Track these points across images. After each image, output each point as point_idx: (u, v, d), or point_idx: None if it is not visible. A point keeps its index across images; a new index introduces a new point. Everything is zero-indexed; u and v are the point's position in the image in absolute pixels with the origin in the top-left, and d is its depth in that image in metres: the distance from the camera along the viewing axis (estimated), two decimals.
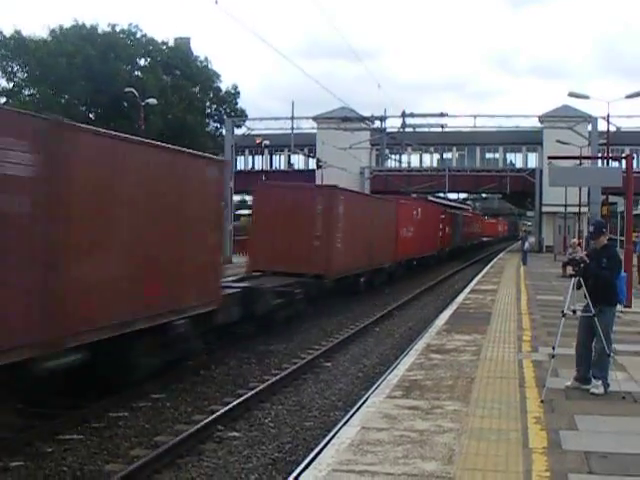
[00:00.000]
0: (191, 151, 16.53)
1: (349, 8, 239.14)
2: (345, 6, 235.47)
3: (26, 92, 59.85)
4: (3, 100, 58.81)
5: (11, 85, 60.11)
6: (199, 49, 65.86)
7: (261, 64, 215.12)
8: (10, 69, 59.42)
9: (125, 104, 58.55)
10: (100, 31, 60.49)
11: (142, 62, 64.14)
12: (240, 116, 67.34)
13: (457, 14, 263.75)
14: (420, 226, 45.56)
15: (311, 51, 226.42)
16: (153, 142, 15.02)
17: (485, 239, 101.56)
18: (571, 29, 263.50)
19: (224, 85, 69.71)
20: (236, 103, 68.95)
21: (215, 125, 68.91)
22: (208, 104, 68.38)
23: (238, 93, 69.72)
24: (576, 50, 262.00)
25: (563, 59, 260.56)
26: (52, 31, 59.32)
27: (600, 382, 11.16)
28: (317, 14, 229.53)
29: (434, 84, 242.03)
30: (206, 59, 67.59)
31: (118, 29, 62.23)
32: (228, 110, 65.72)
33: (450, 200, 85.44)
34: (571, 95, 42.58)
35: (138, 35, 63.30)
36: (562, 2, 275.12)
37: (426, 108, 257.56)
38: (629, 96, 41.36)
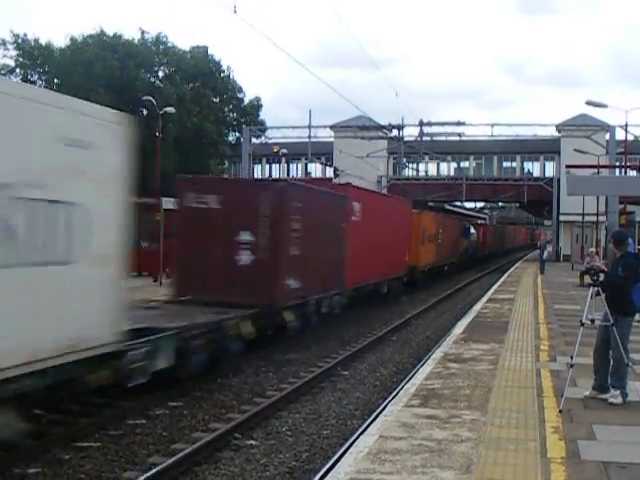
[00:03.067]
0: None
1: (363, 17, 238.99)
2: (359, 15, 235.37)
3: None
4: None
5: None
6: (216, 57, 65.96)
7: (275, 72, 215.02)
8: (30, 77, 59.78)
9: (144, 112, 58.78)
10: (122, 40, 60.72)
11: (162, 71, 64.39)
12: (261, 129, 67.49)
13: (471, 23, 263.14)
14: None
15: (325, 60, 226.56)
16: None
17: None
18: (585, 38, 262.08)
19: (245, 96, 69.81)
20: (258, 115, 69.04)
21: (236, 136, 68.95)
22: (229, 115, 68.47)
23: (260, 106, 69.85)
24: (590, 58, 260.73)
25: (577, 67, 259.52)
26: (72, 39, 59.63)
27: (618, 392, 11.10)
28: (332, 23, 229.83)
29: (449, 92, 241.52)
30: (229, 68, 67.71)
31: (141, 37, 62.47)
32: (249, 122, 65.78)
33: (467, 209, 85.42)
34: (589, 104, 42.42)
35: (162, 44, 63.52)
36: (575, 11, 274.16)
37: (442, 116, 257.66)
38: None
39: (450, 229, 53.62)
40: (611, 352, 11.21)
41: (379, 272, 30.41)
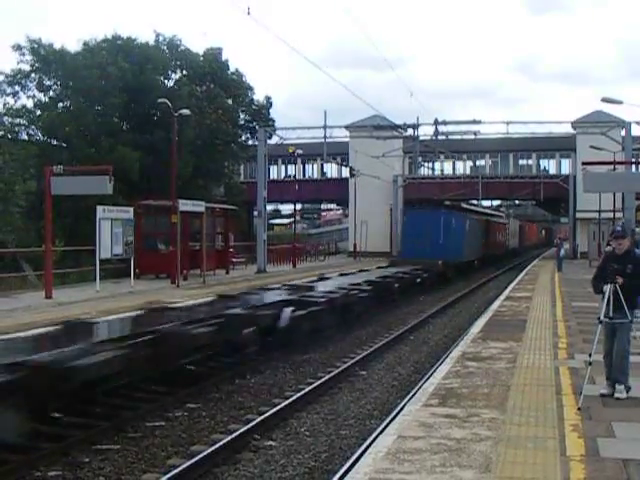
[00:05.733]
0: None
1: (372, 16, 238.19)
2: (368, 15, 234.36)
3: (60, 105, 60.21)
4: (38, 113, 59.30)
5: (46, 98, 60.56)
6: (230, 59, 66.02)
7: (288, 73, 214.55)
8: (45, 82, 59.87)
9: (159, 115, 58.87)
10: (136, 43, 60.77)
11: (177, 73, 64.47)
12: (271, 126, 67.49)
13: (480, 21, 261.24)
14: None
15: (336, 60, 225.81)
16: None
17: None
18: (594, 35, 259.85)
19: (255, 96, 69.85)
20: (268, 113, 69.13)
21: (247, 136, 69.13)
22: (241, 116, 68.59)
23: (271, 104, 69.98)
24: (600, 56, 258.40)
25: (589, 65, 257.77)
26: (85, 43, 59.70)
27: (622, 386, 11.08)
28: (342, 23, 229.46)
29: (461, 91, 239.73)
30: (239, 72, 67.85)
31: (155, 40, 62.57)
32: (260, 121, 65.85)
33: (483, 207, 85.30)
34: (604, 100, 42.06)
35: (177, 46, 63.58)
36: (583, 9, 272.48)
37: (455, 115, 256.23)
38: None
39: (537, 230, 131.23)
40: (615, 346, 11.15)
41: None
